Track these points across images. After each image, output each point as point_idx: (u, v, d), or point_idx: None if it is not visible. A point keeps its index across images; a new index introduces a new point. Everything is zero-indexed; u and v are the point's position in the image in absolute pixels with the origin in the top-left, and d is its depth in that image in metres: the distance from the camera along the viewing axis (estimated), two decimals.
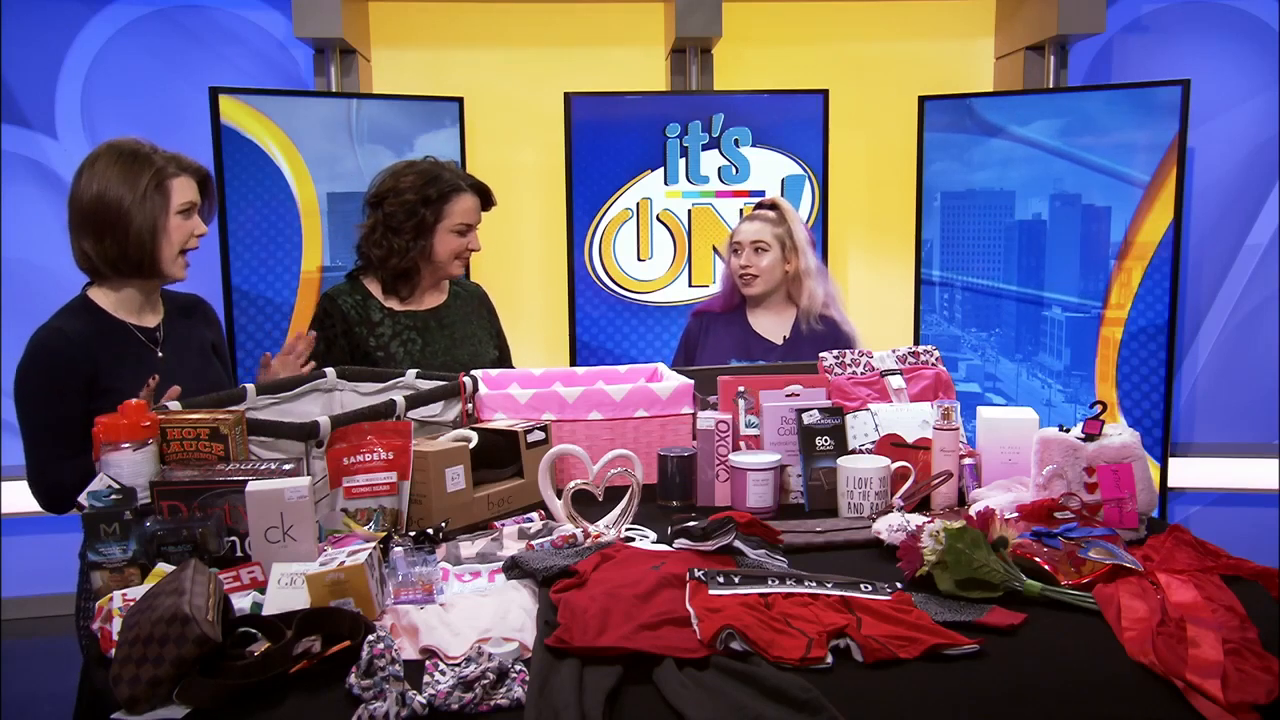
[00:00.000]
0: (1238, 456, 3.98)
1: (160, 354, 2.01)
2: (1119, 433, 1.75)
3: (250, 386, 1.92)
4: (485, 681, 1.16)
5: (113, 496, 1.46)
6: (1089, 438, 1.74)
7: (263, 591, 1.39)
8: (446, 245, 2.41)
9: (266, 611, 1.33)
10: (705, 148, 3.63)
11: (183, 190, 1.97)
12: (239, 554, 1.50)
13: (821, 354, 2.13)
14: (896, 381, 2.09)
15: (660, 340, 3.70)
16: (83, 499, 1.46)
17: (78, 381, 1.87)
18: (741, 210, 3.56)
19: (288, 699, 1.17)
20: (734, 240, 2.73)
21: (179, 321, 2.09)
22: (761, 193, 3.62)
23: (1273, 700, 1.15)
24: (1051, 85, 3.74)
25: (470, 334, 2.53)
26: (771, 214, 2.72)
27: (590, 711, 1.10)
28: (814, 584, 1.43)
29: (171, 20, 3.72)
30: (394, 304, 2.44)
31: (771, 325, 2.73)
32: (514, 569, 1.50)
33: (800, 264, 2.70)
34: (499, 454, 1.92)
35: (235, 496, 1.48)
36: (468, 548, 1.64)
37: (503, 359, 2.62)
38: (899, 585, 1.46)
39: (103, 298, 1.98)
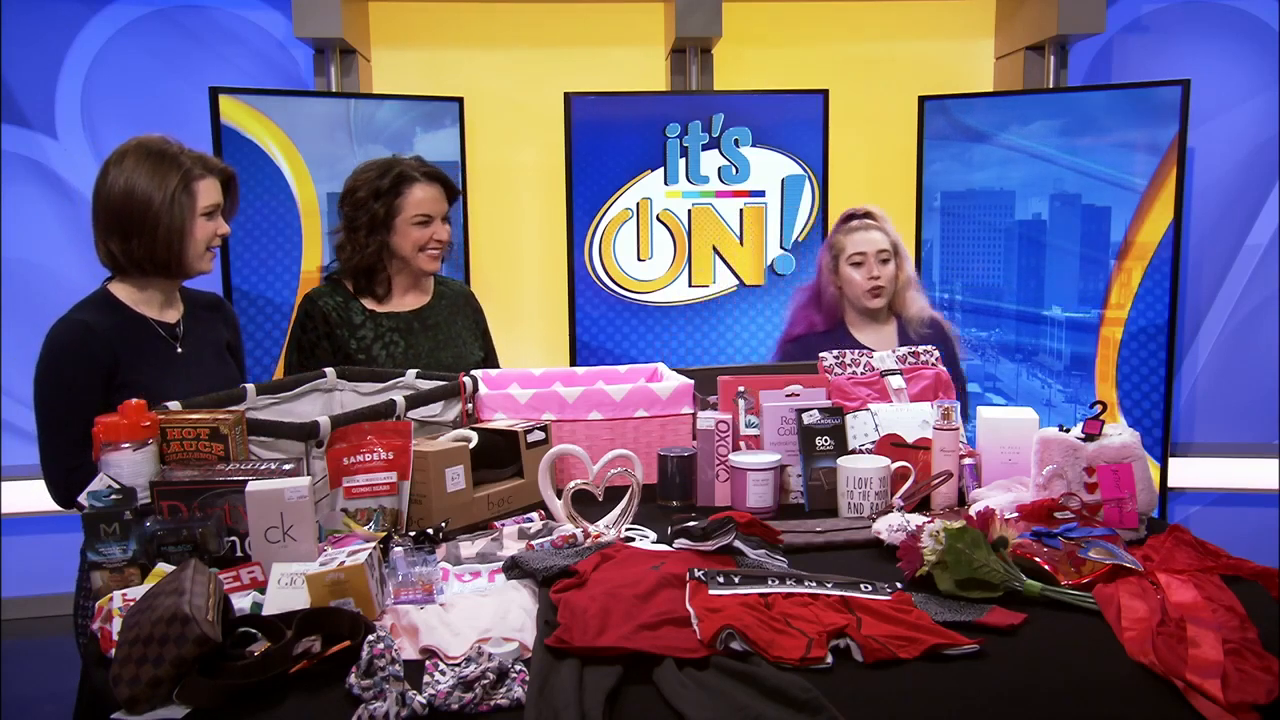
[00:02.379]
0: (1238, 456, 3.98)
1: (179, 349, 2.01)
2: (1119, 433, 1.75)
3: (250, 386, 1.92)
4: (485, 681, 1.16)
5: (113, 496, 1.45)
6: (1089, 438, 1.74)
7: (263, 591, 1.39)
8: (407, 238, 2.36)
9: (266, 611, 1.33)
10: (705, 148, 3.62)
11: (208, 192, 1.98)
12: (239, 554, 1.50)
13: (821, 354, 2.13)
14: (896, 381, 2.09)
15: (660, 340, 3.70)
16: (83, 499, 1.46)
17: (97, 374, 1.87)
18: (845, 219, 2.85)
19: (288, 699, 1.17)
20: (853, 252, 2.56)
21: (199, 319, 2.09)
22: (761, 193, 3.62)
23: (1273, 700, 1.15)
24: (1051, 85, 3.74)
25: (454, 335, 2.48)
26: (875, 222, 2.60)
27: (590, 711, 1.10)
28: (814, 584, 1.43)
29: (171, 20, 3.72)
30: (375, 305, 2.39)
31: (877, 338, 2.61)
32: (514, 569, 1.50)
33: (908, 271, 2.61)
34: (499, 454, 1.92)
35: (235, 496, 1.49)
36: (468, 548, 1.64)
37: (488, 360, 2.57)
38: (899, 585, 1.46)
39: (124, 293, 1.99)
